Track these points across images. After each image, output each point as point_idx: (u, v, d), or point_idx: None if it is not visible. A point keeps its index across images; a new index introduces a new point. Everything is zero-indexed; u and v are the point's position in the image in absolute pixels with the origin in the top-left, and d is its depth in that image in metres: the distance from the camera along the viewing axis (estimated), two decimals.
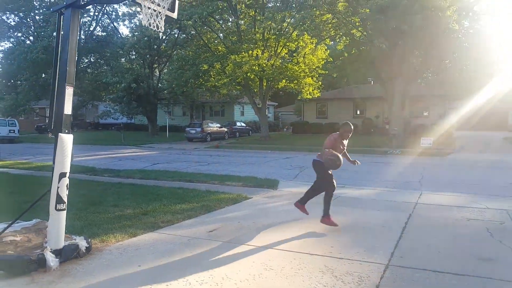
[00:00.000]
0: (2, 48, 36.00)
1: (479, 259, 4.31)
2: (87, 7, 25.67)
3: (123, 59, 34.82)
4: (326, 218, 5.56)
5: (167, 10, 4.20)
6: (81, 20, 35.79)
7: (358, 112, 34.40)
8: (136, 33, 28.60)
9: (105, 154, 19.43)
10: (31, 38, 35.40)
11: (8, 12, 33.48)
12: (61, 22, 4.14)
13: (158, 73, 34.19)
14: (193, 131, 27.40)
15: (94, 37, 36.53)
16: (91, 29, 36.96)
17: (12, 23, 34.63)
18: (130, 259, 4.25)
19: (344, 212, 6.57)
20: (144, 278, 3.72)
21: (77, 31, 4.17)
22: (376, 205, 7.19)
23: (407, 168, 13.31)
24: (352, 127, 5.79)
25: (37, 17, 35.31)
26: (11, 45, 34.67)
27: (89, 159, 16.42)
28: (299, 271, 3.89)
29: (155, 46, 31.04)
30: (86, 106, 43.31)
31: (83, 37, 36.62)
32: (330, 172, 5.69)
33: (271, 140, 26.50)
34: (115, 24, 37.53)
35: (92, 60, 38.96)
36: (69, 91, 4.05)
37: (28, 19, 35.24)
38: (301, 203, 6.01)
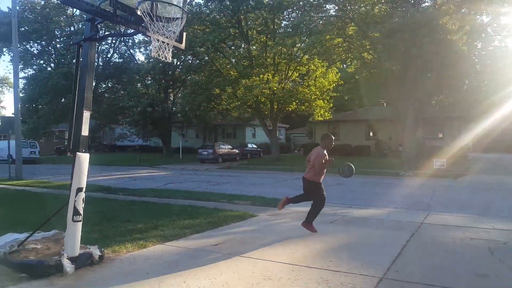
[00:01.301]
0: (26, 75, 37.44)
1: (475, 275, 4.43)
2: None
3: (139, 84, 36.00)
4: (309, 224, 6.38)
5: (175, 41, 4.64)
6: (100, 47, 37.39)
7: (371, 134, 34.39)
8: (152, 60, 29.67)
9: (121, 174, 19.99)
10: (52, 65, 37.05)
11: (31, 41, 35.27)
12: (80, 53, 4.62)
13: (172, 97, 35.16)
14: (205, 153, 27.91)
15: (111, 63, 38.01)
16: (109, 56, 38.56)
17: (35, 52, 36.42)
18: (139, 267, 4.56)
19: (347, 230, 6.76)
20: (151, 284, 4.01)
21: (94, 61, 4.63)
22: (381, 225, 7.31)
23: (417, 190, 13.33)
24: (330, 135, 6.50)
25: (58, 46, 37.05)
26: (33, 72, 36.31)
27: (106, 179, 16.95)
28: (296, 281, 4.12)
29: (170, 72, 32.08)
30: (104, 129, 44.65)
31: (101, 63, 38.16)
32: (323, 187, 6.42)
33: (281, 162, 26.73)
34: (131, 51, 38.99)
35: (109, 85, 40.43)
36: (86, 115, 4.48)
37: (50, 47, 36.98)
38: (307, 222, 6.38)
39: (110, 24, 30.80)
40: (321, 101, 28.47)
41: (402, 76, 19.88)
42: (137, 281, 4.09)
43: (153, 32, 4.31)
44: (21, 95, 37.84)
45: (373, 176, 17.95)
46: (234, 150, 30.31)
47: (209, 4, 28.18)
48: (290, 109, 29.68)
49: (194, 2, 28.88)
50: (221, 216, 7.71)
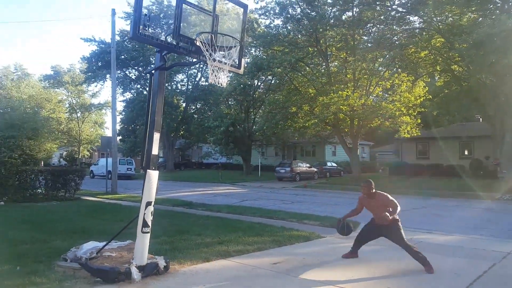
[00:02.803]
0: (125, 98, 42.07)
1: None
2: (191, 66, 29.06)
3: (223, 106, 37.96)
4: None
5: (234, 67, 4.96)
6: (188, 72, 40.46)
7: (466, 153, 31.44)
8: (234, 82, 31.09)
9: (204, 190, 21.18)
10: (147, 89, 41.04)
11: (130, 68, 39.51)
12: (152, 81, 5.18)
13: (253, 116, 36.32)
14: (283, 171, 28.16)
15: (199, 86, 40.79)
16: (197, 79, 41.44)
17: (133, 77, 40.64)
18: (199, 280, 4.86)
19: None
20: None
21: (164, 87, 5.14)
22: (459, 253, 6.70)
23: None
24: (370, 183, 5.84)
25: None
26: (131, 95, 40.53)
27: (190, 194, 18.13)
28: None
29: (251, 92, 33.26)
30: (192, 147, 47.73)
31: (190, 87, 41.22)
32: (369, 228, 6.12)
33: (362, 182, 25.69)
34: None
35: (198, 106, 43.35)
36: (156, 136, 4.98)
37: (145, 73, 40.96)
38: (419, 260, 5.66)
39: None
40: (407, 117, 26.90)
41: (497, 89, 18.04)
42: None
43: (212, 61, 4.67)
44: (121, 116, 42.64)
45: (465, 200, 16.45)
46: (312, 168, 30.06)
47: (287, 25, 28.84)
48: (373, 126, 28.56)
49: (272, 25, 29.82)
50: (287, 235, 7.77)
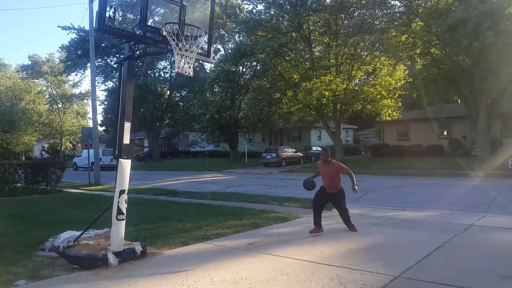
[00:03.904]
0: (107, 87, 41.40)
1: (499, 276, 4.27)
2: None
3: (208, 93, 37.73)
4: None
5: (203, 56, 5.08)
6: (171, 59, 39.95)
7: (445, 133, 32.24)
8: (218, 68, 30.96)
9: (190, 178, 21.29)
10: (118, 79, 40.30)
11: (111, 56, 38.78)
12: (122, 71, 5.29)
13: (239, 103, 36.31)
14: (269, 157, 28.47)
15: (183, 73, 40.33)
16: None
17: (115, 65, 39.94)
18: (175, 262, 5.08)
19: (387, 232, 6.67)
20: (179, 276, 4.48)
21: (133, 77, 5.26)
22: (426, 227, 7.06)
23: (482, 191, 12.40)
24: (328, 151, 7.01)
25: None
26: (113, 84, 39.94)
27: (175, 183, 18.22)
28: (311, 277, 4.31)
29: (236, 79, 33.16)
30: (179, 136, 47.52)
31: (173, 74, 40.77)
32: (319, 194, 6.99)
33: (346, 164, 26.05)
34: (200, 61, 40.95)
35: (183, 94, 42.96)
36: (127, 126, 5.12)
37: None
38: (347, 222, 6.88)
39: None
40: (388, 100, 27.36)
41: (472, 71, 18.47)
42: (169, 273, 4.58)
43: (179, 50, 4.79)
44: (103, 106, 42.07)
45: (441, 178, 17.03)
46: (298, 153, 30.42)
47: (270, 10, 28.71)
48: (356, 109, 28.95)
49: (255, 10, 29.68)
50: (265, 217, 8.03)
